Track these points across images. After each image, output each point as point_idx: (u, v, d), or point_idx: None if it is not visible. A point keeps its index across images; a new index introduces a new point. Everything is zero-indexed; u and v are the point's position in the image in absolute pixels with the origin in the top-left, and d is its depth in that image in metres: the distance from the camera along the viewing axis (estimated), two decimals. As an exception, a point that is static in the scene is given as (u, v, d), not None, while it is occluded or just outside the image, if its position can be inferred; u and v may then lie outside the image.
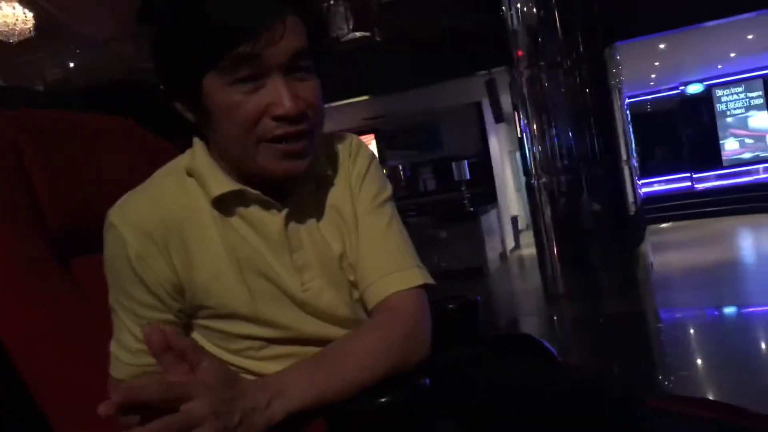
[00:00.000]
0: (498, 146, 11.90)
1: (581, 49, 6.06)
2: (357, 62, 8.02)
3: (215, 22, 0.82)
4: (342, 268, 0.97)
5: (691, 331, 4.79)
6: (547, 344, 1.17)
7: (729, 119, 15.21)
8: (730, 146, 15.23)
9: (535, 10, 6.06)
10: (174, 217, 0.90)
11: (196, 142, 0.96)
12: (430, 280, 0.97)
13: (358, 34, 7.95)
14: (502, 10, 6.33)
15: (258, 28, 0.82)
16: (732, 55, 12.40)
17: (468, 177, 9.50)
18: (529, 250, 9.01)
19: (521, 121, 6.41)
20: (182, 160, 0.96)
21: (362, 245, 0.98)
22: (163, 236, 0.89)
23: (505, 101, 7.60)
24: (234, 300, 0.90)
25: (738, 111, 15.14)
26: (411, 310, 0.92)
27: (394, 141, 12.01)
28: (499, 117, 8.03)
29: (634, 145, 6.96)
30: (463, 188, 9.40)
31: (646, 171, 13.50)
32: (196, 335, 0.94)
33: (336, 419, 0.79)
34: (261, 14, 0.83)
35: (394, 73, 8.23)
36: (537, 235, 6.53)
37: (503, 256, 10.02)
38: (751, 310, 5.11)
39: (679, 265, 7.55)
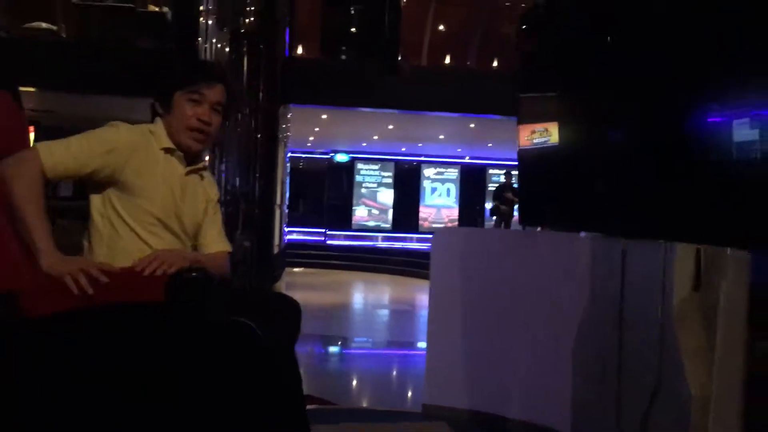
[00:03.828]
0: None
1: (261, 99, 6.84)
2: (36, 52, 7.71)
3: (198, 76, 1.87)
4: (197, 221, 1.91)
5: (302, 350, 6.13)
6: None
7: (363, 190, 17.70)
8: (360, 213, 17.67)
9: (227, 49, 6.66)
10: (143, 148, 1.80)
11: (158, 119, 1.88)
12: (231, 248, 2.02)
13: (44, 24, 7.64)
14: (198, 42, 6.78)
15: (210, 83, 1.86)
16: (375, 137, 14.69)
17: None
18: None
19: (195, 150, 6.89)
20: (147, 126, 1.85)
21: (212, 221, 1.97)
22: (131, 152, 1.75)
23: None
24: (154, 190, 1.78)
25: (372, 184, 17.74)
26: (228, 257, 1.99)
27: (54, 138, 11.37)
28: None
29: (288, 194, 7.98)
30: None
31: (290, 220, 14.93)
32: (114, 203, 1.76)
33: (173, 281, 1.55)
34: (213, 79, 1.87)
35: (72, 74, 8.07)
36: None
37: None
38: (356, 341, 7.37)
39: (303, 302, 8.97)
